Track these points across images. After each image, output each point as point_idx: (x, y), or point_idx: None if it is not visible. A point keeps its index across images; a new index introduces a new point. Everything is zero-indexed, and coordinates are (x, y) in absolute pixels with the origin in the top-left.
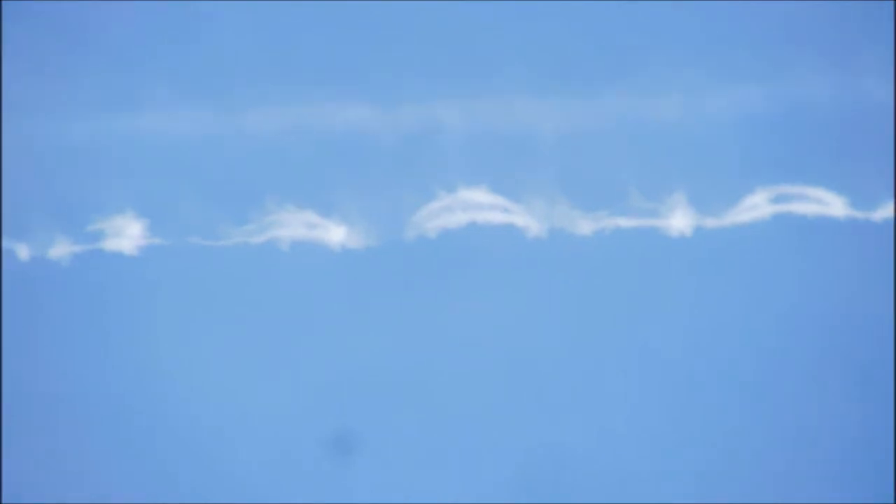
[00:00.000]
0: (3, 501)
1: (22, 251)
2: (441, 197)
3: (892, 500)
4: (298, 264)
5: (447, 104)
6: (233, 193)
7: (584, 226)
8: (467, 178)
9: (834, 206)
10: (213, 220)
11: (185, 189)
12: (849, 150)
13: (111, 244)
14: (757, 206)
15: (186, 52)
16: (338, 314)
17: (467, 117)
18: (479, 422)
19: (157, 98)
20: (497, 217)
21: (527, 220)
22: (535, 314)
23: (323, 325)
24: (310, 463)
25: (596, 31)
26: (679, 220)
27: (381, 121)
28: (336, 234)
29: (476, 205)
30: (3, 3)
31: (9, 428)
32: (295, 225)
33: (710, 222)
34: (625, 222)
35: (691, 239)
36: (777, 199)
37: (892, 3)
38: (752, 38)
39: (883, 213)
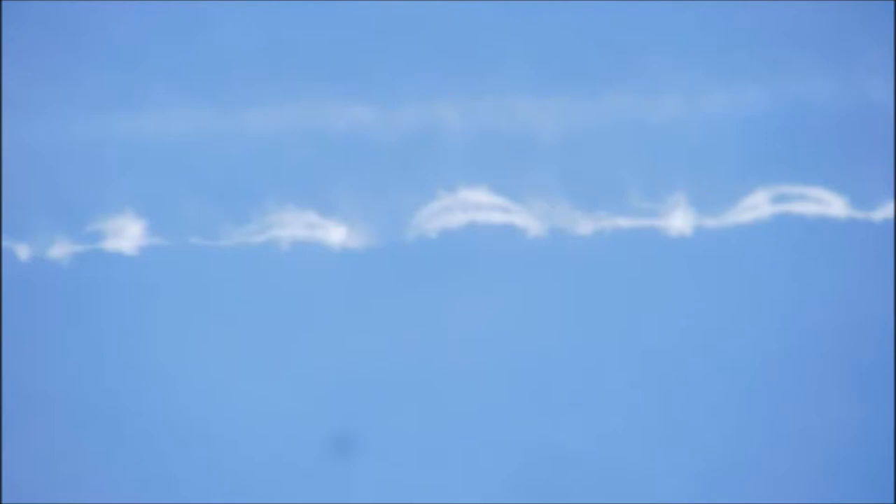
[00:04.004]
0: (3, 501)
1: (22, 251)
2: (441, 197)
3: (892, 500)
4: (298, 264)
5: (447, 104)
6: (233, 193)
7: (584, 226)
8: (467, 178)
9: (834, 206)
10: (213, 220)
11: (185, 189)
12: (849, 150)
13: (111, 244)
14: (757, 206)
15: (186, 52)
16: (338, 314)
17: (467, 117)
18: (479, 422)
19: (156, 98)
20: (497, 217)
21: (527, 220)
22: (535, 314)
23: (323, 325)
24: (310, 463)
25: (596, 31)
26: (679, 220)
27: (381, 121)
28: (336, 234)
29: (476, 205)
30: (3, 3)
31: (9, 428)
32: (295, 225)
33: (710, 222)
34: (625, 222)
35: (691, 239)
36: (777, 199)
37: (893, 3)
38: (752, 38)
39: (883, 213)
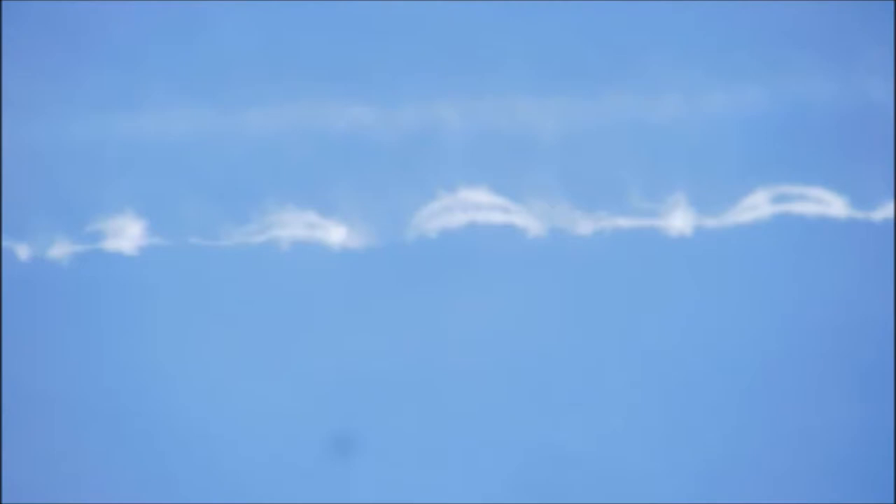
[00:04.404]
0: (3, 501)
1: (22, 251)
2: (441, 197)
3: (892, 501)
4: (298, 264)
5: (447, 104)
6: (233, 193)
7: (584, 226)
8: (467, 178)
9: (834, 206)
10: (213, 220)
11: (185, 189)
12: (849, 150)
13: (111, 244)
14: (757, 206)
15: (186, 52)
16: (338, 315)
17: (467, 117)
18: (479, 422)
19: (156, 98)
20: (497, 217)
21: (527, 220)
22: (535, 314)
23: (323, 325)
24: (310, 463)
25: (596, 31)
26: (679, 220)
27: (381, 121)
28: (336, 234)
29: (476, 205)
30: (3, 3)
31: (9, 428)
32: (295, 225)
33: (710, 222)
34: (625, 222)
35: (691, 239)
36: (777, 199)
37: (893, 3)
38: (752, 38)
39: (883, 213)
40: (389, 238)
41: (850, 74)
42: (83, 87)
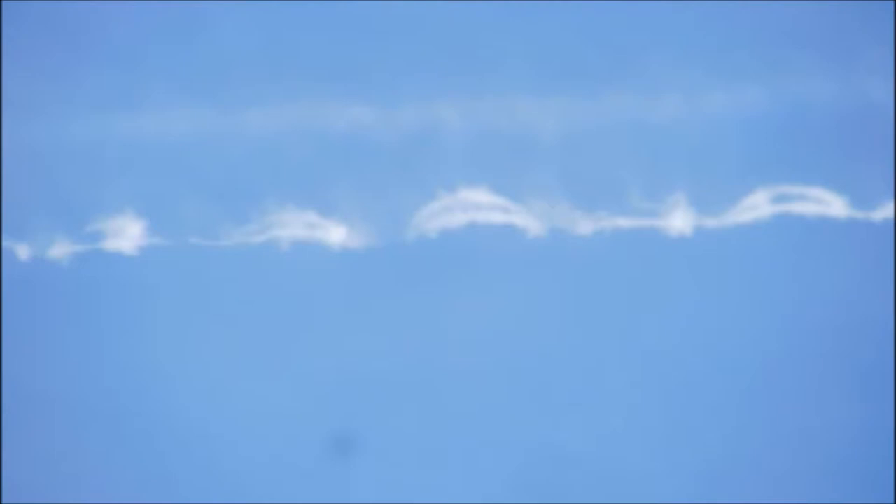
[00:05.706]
0: (3, 501)
1: (22, 251)
2: (441, 197)
3: (892, 501)
4: (298, 264)
5: (447, 104)
6: (233, 193)
7: (584, 226)
8: (467, 178)
9: (834, 206)
10: (213, 220)
11: (185, 189)
12: (849, 150)
13: (111, 244)
14: (757, 206)
15: (186, 52)
16: (338, 315)
17: (467, 117)
18: (479, 422)
19: (156, 98)
20: (497, 217)
21: (527, 220)
22: (535, 314)
23: (323, 325)
24: (310, 463)
25: (596, 31)
26: (679, 220)
27: (381, 121)
28: (336, 234)
29: (476, 205)
30: (3, 3)
31: (9, 428)
32: (295, 225)
33: (710, 222)
34: (625, 222)
35: (691, 239)
36: (777, 199)
37: (893, 3)
38: (752, 38)
39: (883, 213)
40: (389, 238)
41: (850, 74)
42: (83, 87)
